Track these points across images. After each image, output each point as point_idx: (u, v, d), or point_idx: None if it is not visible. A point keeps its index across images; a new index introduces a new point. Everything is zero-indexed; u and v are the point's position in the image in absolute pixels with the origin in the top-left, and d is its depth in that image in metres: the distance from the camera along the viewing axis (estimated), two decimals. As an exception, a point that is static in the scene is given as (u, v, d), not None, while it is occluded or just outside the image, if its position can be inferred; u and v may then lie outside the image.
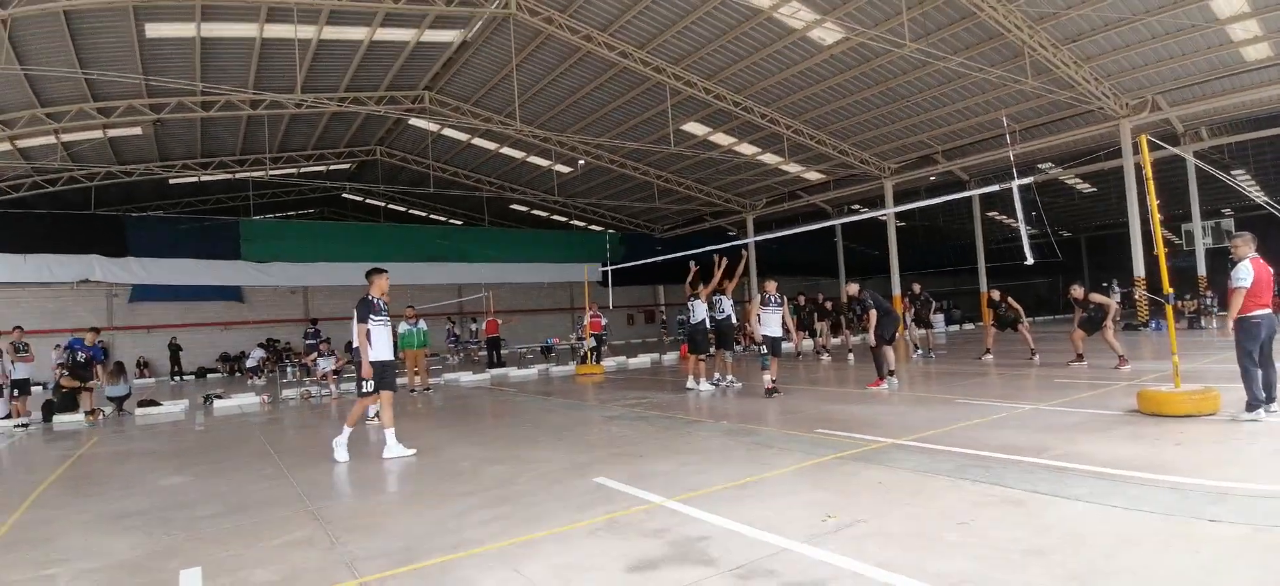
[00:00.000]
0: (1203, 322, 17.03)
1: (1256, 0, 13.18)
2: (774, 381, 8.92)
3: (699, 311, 10.42)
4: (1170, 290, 6.75)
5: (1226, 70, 15.97)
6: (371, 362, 6.38)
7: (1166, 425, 5.54)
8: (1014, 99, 17.54)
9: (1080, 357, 10.32)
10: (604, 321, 17.08)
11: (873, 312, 9.21)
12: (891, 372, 9.14)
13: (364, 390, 6.42)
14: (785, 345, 10.05)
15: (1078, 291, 10.67)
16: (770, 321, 9.20)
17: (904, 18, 13.53)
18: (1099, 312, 10.22)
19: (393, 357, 6.78)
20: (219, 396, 12.66)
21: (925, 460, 4.90)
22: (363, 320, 6.30)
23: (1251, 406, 5.56)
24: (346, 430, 6.40)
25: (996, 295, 12.87)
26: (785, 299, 9.68)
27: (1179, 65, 15.81)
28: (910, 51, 14.44)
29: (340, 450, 6.29)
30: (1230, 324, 5.75)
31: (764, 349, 9.07)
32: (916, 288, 14.25)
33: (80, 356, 11.39)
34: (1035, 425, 5.99)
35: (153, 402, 12.28)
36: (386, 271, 6.61)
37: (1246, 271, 5.64)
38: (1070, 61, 15.60)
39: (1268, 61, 15.43)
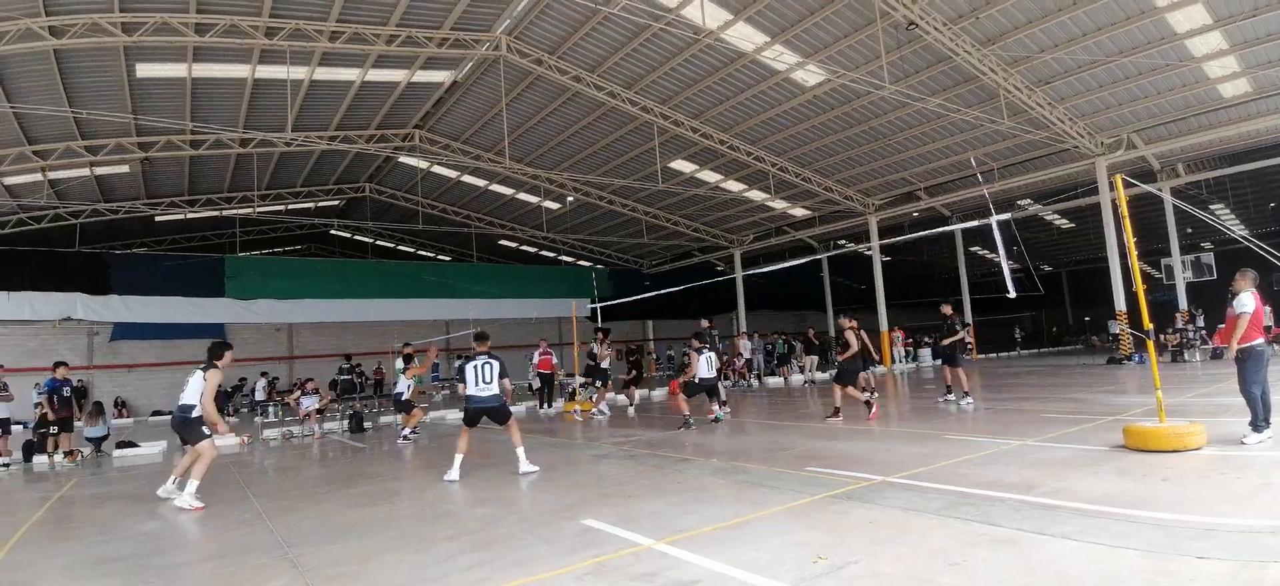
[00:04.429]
0: (1185, 355, 17.22)
1: (1234, 36, 13.31)
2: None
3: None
4: (1150, 325, 6.87)
5: (1202, 107, 16.25)
6: None
7: (1153, 460, 5.56)
8: (991, 138, 17.97)
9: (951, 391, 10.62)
10: (555, 360, 16.37)
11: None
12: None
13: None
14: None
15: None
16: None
17: (883, 61, 13.90)
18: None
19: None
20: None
21: (915, 498, 4.88)
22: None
23: (1258, 428, 5.89)
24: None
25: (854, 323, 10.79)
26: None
27: (1154, 103, 16.23)
28: (890, 93, 14.81)
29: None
30: (1233, 351, 6.06)
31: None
32: (811, 331, 14.45)
33: (66, 392, 11.23)
34: (1023, 461, 6.00)
35: (130, 444, 12.10)
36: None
37: (1249, 299, 6.01)
38: (1044, 102, 16.05)
39: (1246, 97, 15.60)
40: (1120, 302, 18.15)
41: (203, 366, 6.91)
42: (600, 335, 13.94)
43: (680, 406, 10.44)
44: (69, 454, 10.99)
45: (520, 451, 7.20)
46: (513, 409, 7.81)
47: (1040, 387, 13.09)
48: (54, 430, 10.92)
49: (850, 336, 10.00)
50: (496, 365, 7.40)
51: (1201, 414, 7.37)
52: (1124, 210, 6.72)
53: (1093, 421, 7.97)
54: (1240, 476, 4.92)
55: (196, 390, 6.83)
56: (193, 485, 6.46)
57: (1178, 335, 17.76)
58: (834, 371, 11.72)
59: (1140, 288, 6.67)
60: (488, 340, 7.75)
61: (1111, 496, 4.56)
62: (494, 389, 7.36)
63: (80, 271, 20.87)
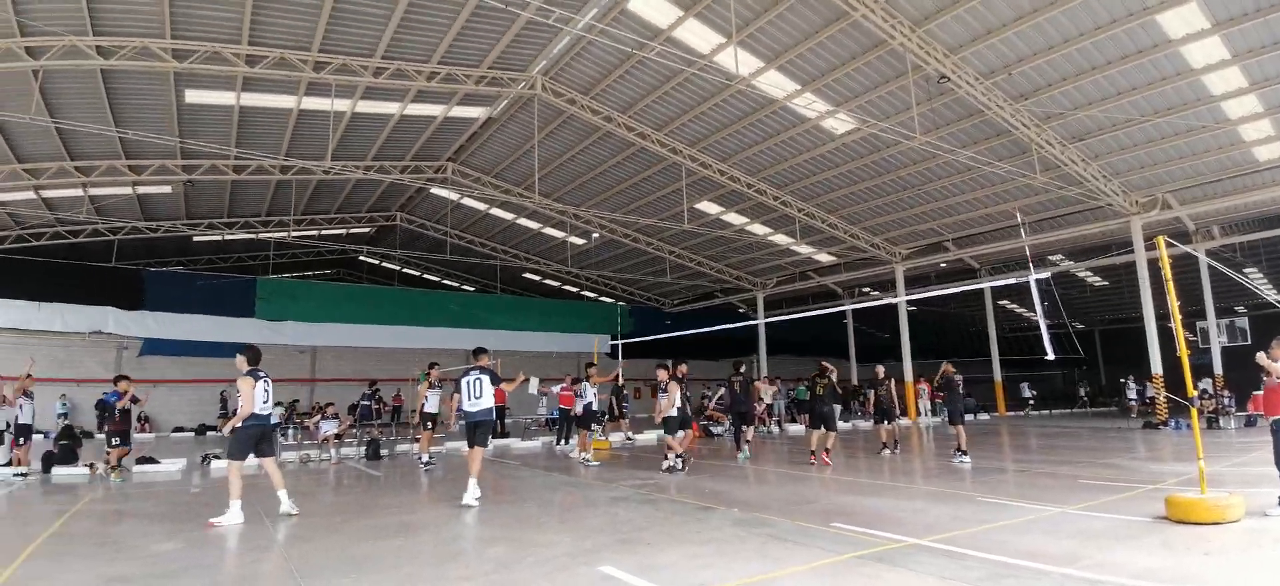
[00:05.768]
0: (1220, 422, 16.56)
1: (1270, 99, 13.18)
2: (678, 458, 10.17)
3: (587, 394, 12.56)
4: (1193, 392, 6.62)
5: (1238, 169, 16.01)
6: None
7: (1195, 532, 5.42)
8: (1023, 192, 17.79)
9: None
10: (576, 395, 13.89)
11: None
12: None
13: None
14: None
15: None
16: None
17: (914, 112, 13.93)
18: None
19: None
20: (216, 457, 12.49)
21: (953, 565, 4.67)
22: None
23: None
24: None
25: (881, 372, 13.30)
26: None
27: (1189, 164, 15.99)
28: (919, 144, 14.79)
29: None
30: (1270, 421, 5.99)
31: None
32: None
33: (125, 405, 11.02)
34: (1063, 530, 5.74)
35: (151, 460, 12.22)
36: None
37: None
38: (1078, 159, 15.89)
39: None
40: (1156, 365, 17.61)
41: (262, 375, 7.27)
42: (590, 372, 13.04)
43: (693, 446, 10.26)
44: (115, 468, 10.67)
45: (472, 481, 7.51)
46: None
47: (1074, 450, 12.64)
48: (116, 442, 10.72)
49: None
50: (486, 378, 7.88)
51: (1238, 483, 7.19)
52: (1167, 272, 6.55)
53: (1132, 489, 7.65)
54: (1281, 549, 4.77)
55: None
56: (284, 492, 7.17)
57: (1213, 401, 17.13)
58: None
59: (1184, 354, 6.44)
60: (485, 354, 8.21)
61: (1156, 571, 4.37)
62: (486, 403, 7.86)
63: (114, 286, 21.35)
